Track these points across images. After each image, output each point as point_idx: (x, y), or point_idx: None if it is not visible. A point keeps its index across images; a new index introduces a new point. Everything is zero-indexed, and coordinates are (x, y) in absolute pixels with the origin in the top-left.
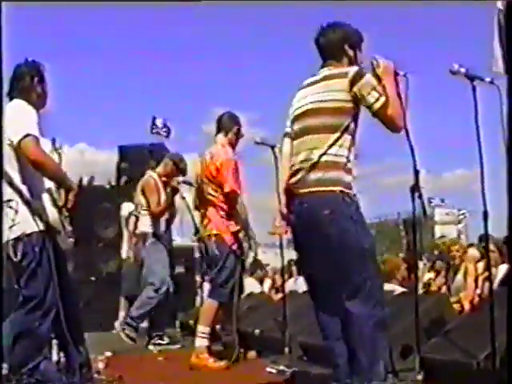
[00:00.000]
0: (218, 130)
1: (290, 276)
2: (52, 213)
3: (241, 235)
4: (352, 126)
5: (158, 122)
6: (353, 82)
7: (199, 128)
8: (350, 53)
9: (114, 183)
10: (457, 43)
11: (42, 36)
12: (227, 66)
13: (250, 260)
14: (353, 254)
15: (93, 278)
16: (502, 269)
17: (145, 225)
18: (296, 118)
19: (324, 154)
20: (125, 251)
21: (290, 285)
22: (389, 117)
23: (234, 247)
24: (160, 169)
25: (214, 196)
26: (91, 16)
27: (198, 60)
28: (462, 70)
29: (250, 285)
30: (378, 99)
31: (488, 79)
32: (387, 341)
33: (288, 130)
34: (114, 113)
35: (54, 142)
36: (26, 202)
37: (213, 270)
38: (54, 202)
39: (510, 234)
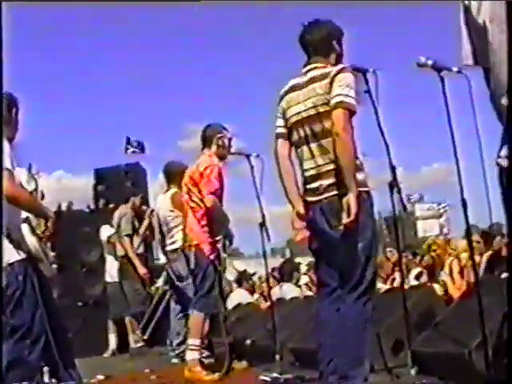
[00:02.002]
0: (204, 144)
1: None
2: (32, 241)
3: (219, 245)
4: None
5: (133, 141)
6: (332, 81)
7: (176, 145)
8: (337, 48)
9: (92, 207)
10: (425, 38)
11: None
12: (201, 79)
13: (232, 272)
14: (364, 250)
15: (80, 304)
16: (487, 256)
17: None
18: (296, 125)
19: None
20: (109, 274)
21: (276, 292)
22: (340, 127)
23: (213, 257)
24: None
25: (196, 204)
26: (62, 42)
27: (171, 76)
28: (429, 62)
29: (240, 295)
30: (342, 95)
31: (455, 69)
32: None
33: (281, 130)
34: (88, 137)
35: (30, 167)
36: (7, 234)
37: (195, 281)
38: (33, 231)
39: (509, 231)
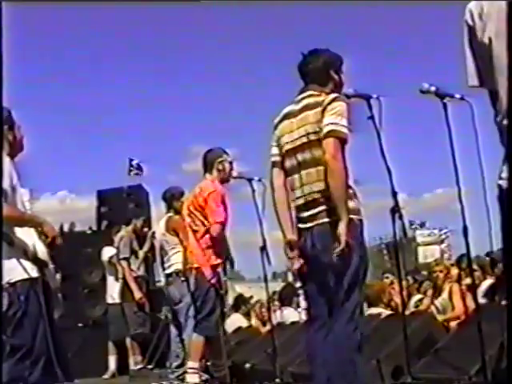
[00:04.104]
0: (205, 169)
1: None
2: (40, 245)
3: (220, 269)
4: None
5: (135, 163)
6: (324, 109)
7: (179, 167)
8: (335, 77)
9: (94, 228)
10: (429, 62)
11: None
12: (203, 104)
13: (232, 295)
14: (351, 276)
15: (80, 325)
16: (486, 284)
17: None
18: (288, 153)
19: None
20: (110, 295)
21: (277, 317)
22: (331, 155)
23: (214, 281)
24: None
25: (198, 227)
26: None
27: (175, 98)
28: (432, 88)
29: (237, 320)
30: (334, 124)
31: (458, 96)
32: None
33: (276, 159)
34: (92, 159)
35: (31, 192)
36: (10, 242)
37: (196, 304)
38: (41, 237)
39: (504, 242)
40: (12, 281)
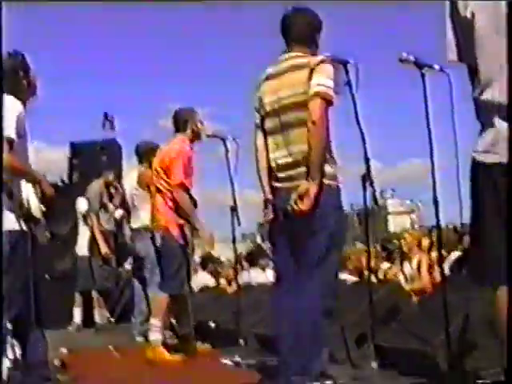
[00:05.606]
0: (176, 128)
1: (242, 269)
2: (34, 201)
3: (187, 228)
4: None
5: (110, 117)
6: (312, 71)
7: (156, 123)
8: (318, 38)
9: (66, 180)
10: (410, 32)
11: None
12: (182, 60)
13: (199, 253)
14: (325, 240)
15: (47, 276)
16: (453, 256)
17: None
18: (270, 113)
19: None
20: (79, 247)
21: (243, 277)
22: (317, 115)
23: (180, 240)
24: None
25: (164, 187)
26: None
27: (153, 56)
28: (411, 57)
29: (204, 279)
30: (321, 85)
31: (437, 66)
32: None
33: (258, 121)
34: (66, 110)
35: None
36: (8, 193)
37: (161, 261)
38: (36, 192)
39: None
40: (5, 229)
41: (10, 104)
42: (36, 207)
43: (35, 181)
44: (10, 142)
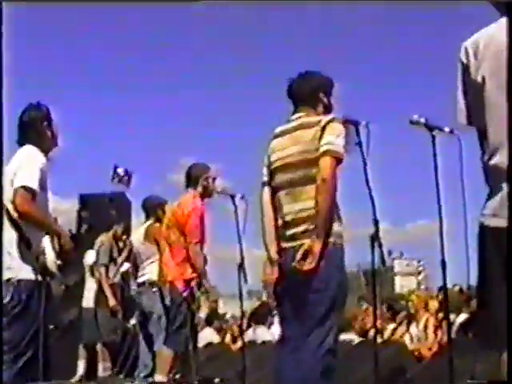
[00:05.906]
0: (188, 183)
1: (249, 326)
2: (50, 255)
3: (193, 283)
4: None
5: (120, 171)
6: (323, 129)
7: (164, 178)
8: (325, 100)
9: (74, 231)
10: (421, 92)
11: None
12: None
13: (205, 310)
14: (328, 301)
15: (52, 327)
16: (461, 318)
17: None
18: (278, 170)
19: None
20: (86, 299)
21: (249, 335)
22: (327, 173)
23: (186, 294)
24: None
25: (174, 242)
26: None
27: (165, 110)
28: (422, 120)
29: (209, 335)
30: (332, 143)
31: (447, 129)
32: None
33: (266, 178)
34: (76, 162)
35: None
36: (26, 244)
37: (168, 318)
38: (53, 246)
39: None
40: (19, 277)
41: (34, 155)
42: (51, 261)
43: (55, 233)
44: (33, 193)
